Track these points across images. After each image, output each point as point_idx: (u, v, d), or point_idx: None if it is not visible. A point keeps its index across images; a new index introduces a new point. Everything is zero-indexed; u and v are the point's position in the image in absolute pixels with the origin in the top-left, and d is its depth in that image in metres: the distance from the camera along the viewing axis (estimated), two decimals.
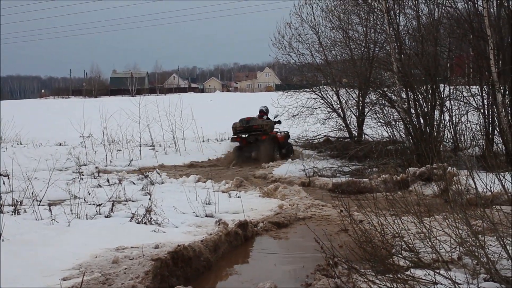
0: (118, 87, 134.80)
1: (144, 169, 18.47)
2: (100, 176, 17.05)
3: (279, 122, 22.95)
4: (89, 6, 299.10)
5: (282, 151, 21.90)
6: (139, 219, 10.41)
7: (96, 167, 18.83)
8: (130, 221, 10.46)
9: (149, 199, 11.42)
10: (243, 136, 21.46)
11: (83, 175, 17.18)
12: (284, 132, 23.24)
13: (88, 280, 6.90)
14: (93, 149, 22.62)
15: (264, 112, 23.01)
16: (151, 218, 10.44)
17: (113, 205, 11.56)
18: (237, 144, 21.86)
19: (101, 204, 11.88)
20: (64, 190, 13.57)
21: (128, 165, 20.14)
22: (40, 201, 12.09)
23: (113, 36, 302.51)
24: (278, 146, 21.56)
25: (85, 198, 12.48)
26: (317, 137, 23.36)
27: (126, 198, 13.04)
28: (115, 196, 12.77)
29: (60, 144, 26.86)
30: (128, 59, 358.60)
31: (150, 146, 24.49)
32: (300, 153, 22.18)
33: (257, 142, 20.98)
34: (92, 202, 12.20)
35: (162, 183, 15.98)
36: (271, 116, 23.26)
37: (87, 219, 10.76)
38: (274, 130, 22.46)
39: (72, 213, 10.84)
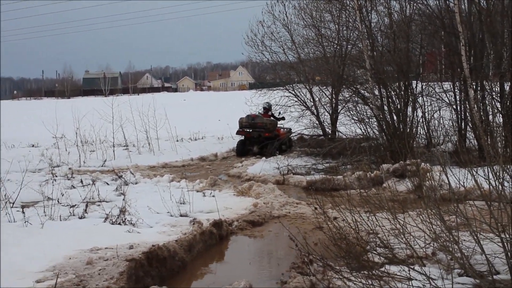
0: (91, 87, 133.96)
1: (118, 169, 18.33)
2: (73, 177, 16.88)
3: (283, 118, 23.64)
4: (60, 6, 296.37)
5: (282, 147, 22.36)
6: (113, 220, 10.36)
7: (70, 168, 18.64)
8: (104, 222, 10.41)
9: (123, 199, 11.39)
10: (248, 130, 22.38)
11: (56, 176, 17.02)
12: (286, 128, 23.84)
13: (62, 281, 6.85)
14: (66, 150, 22.39)
15: (267, 108, 23.58)
16: (125, 219, 10.39)
17: (86, 206, 11.49)
18: (242, 137, 22.99)
19: (75, 205, 11.80)
20: (37, 191, 13.39)
21: (102, 166, 19.95)
22: (13, 203, 12.00)
23: (85, 36, 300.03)
24: (278, 142, 21.86)
25: (58, 199, 12.40)
26: (291, 135, 23.39)
27: (100, 199, 12.94)
28: (89, 197, 12.69)
29: (32, 146, 26.56)
30: (100, 59, 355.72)
31: (124, 146, 24.28)
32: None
33: (259, 138, 22.05)
34: (66, 203, 12.12)
35: (136, 183, 15.87)
36: (274, 111, 23.87)
37: (60, 220, 10.68)
38: (278, 126, 23.23)
39: (45, 215, 10.75)
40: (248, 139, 22.52)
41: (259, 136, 21.95)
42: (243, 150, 22.47)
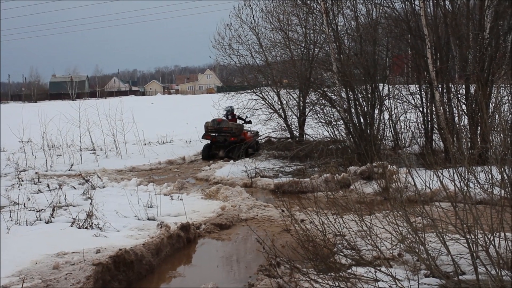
0: (58, 91, 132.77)
1: (85, 173, 18.19)
2: (40, 182, 16.72)
3: (249, 122, 23.56)
4: (26, 9, 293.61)
5: (248, 150, 22.23)
6: (80, 224, 10.30)
7: (36, 173, 18.47)
8: (71, 226, 10.34)
9: (90, 203, 11.33)
10: (214, 135, 22.37)
11: (22, 180, 16.82)
12: (253, 131, 23.78)
13: (28, 286, 6.80)
14: (32, 155, 22.20)
15: (232, 112, 23.59)
16: (92, 223, 10.33)
17: (53, 210, 11.39)
18: (208, 141, 22.95)
19: (41, 209, 11.67)
20: (3, 196, 13.29)
21: (69, 170, 19.78)
22: None
23: (52, 39, 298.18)
24: (245, 146, 21.77)
25: (25, 204, 12.24)
26: (259, 137, 23.40)
27: (67, 203, 12.83)
28: (56, 201, 12.57)
29: None
30: (68, 63, 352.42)
31: (91, 150, 24.08)
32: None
33: (225, 142, 22.06)
34: (32, 208, 11.98)
35: (103, 187, 15.77)
36: (237, 113, 23.77)
37: (27, 225, 10.58)
38: (244, 129, 23.20)
39: (11, 220, 10.63)
40: (214, 143, 22.55)
41: (225, 140, 22.00)
42: (208, 154, 22.51)
